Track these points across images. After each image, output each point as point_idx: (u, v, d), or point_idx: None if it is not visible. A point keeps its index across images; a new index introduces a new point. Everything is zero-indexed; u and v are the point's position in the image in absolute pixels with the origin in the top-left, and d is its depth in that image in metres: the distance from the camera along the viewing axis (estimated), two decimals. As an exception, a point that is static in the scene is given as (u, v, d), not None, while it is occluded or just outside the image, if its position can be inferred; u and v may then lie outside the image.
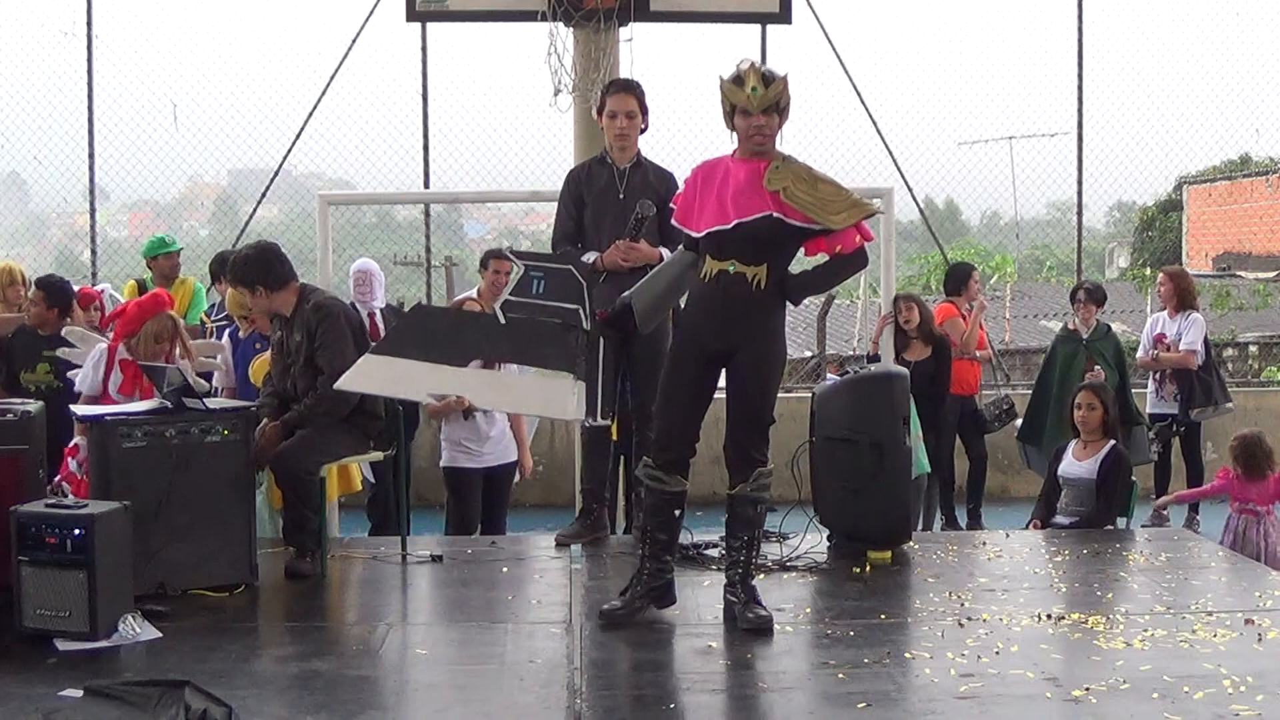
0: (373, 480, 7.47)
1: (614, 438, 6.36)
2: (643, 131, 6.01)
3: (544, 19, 9.08)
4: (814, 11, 10.45)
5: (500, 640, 4.76)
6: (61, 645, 4.56)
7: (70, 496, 5.30)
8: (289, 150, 10.91)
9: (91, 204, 11.39)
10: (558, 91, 9.28)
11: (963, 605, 5.15)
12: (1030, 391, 9.33)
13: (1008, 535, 6.61)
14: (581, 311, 4.86)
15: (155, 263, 8.71)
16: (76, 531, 4.60)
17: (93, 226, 11.40)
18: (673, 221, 5.05)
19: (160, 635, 4.71)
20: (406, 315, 5.70)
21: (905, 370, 6.69)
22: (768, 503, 4.94)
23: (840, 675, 4.27)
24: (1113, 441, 6.85)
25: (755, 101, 4.69)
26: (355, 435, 5.80)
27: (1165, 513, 8.42)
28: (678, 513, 4.97)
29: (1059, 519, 6.82)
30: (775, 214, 4.71)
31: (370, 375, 5.05)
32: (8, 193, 16.27)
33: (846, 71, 10.78)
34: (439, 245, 13.21)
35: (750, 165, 4.78)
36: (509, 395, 5.58)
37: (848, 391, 6.14)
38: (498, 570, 5.80)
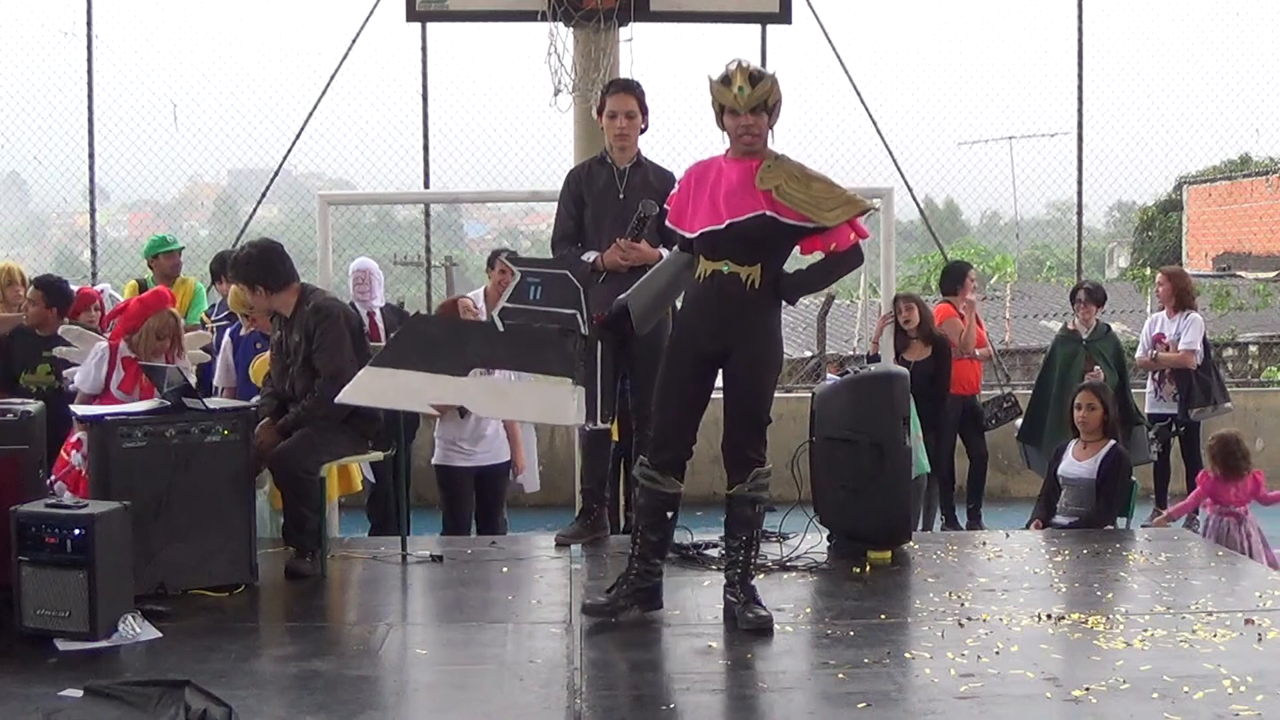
0: (373, 480, 7.48)
1: (614, 438, 6.36)
2: (643, 131, 6.00)
3: (544, 19, 9.09)
4: (814, 11, 10.45)
5: (500, 640, 4.76)
6: (61, 645, 4.56)
7: (67, 494, 5.30)
8: (289, 150, 10.91)
9: (91, 204, 11.39)
10: (558, 91, 9.29)
11: (963, 605, 5.15)
12: (1030, 391, 9.34)
13: (1008, 535, 6.60)
14: (579, 316, 4.87)
15: (156, 262, 8.71)
16: (76, 531, 4.60)
17: (93, 226, 11.40)
18: (666, 223, 5.05)
19: (160, 635, 4.71)
20: (404, 326, 5.71)
21: (905, 370, 6.69)
22: (766, 502, 4.94)
23: (840, 675, 4.27)
24: (1113, 441, 6.85)
25: (743, 101, 4.69)
26: (354, 435, 5.80)
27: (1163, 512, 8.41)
28: (670, 515, 4.96)
29: (1059, 519, 6.82)
30: (768, 213, 4.71)
31: (370, 388, 5.06)
32: (8, 193, 16.28)
33: (846, 71, 10.79)
34: (439, 245, 13.22)
35: (742, 165, 4.78)
36: (509, 402, 5.60)
37: (848, 391, 6.14)
38: (498, 570, 5.80)
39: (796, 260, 5.00)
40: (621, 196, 5.88)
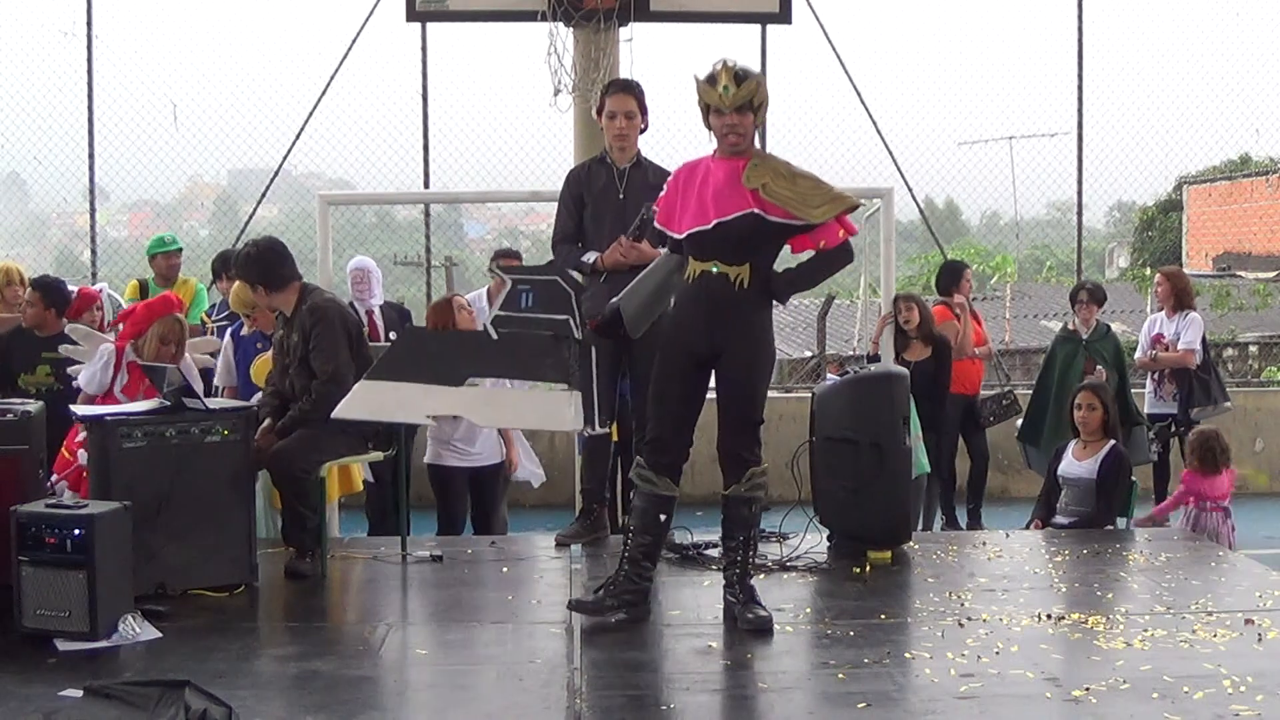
0: (372, 480, 7.47)
1: (614, 438, 6.36)
2: (642, 131, 6.01)
3: (544, 19, 9.09)
4: (814, 11, 10.46)
5: (500, 640, 4.76)
6: (61, 645, 4.56)
7: (67, 494, 5.30)
8: (289, 150, 10.91)
9: (91, 204, 11.39)
10: (558, 91, 9.30)
11: (963, 605, 5.15)
12: (1030, 392, 9.34)
13: (1008, 535, 6.61)
14: (571, 321, 4.88)
15: (154, 261, 8.75)
16: (76, 531, 4.60)
17: (93, 226, 11.40)
18: (655, 224, 5.05)
19: (160, 635, 4.71)
20: (399, 339, 5.73)
21: (905, 370, 6.69)
22: (762, 502, 4.95)
23: (840, 675, 4.27)
24: (1113, 441, 6.86)
25: (727, 100, 4.69)
26: (353, 435, 5.80)
27: (1165, 522, 8.41)
28: (664, 518, 4.95)
29: (1059, 519, 6.82)
30: (756, 211, 4.71)
31: (367, 401, 5.07)
32: (8, 193, 16.29)
33: (846, 71, 10.79)
34: (439, 245, 13.22)
35: (729, 164, 4.78)
36: (506, 411, 5.62)
37: (848, 391, 6.14)
38: (498, 570, 5.81)
39: (787, 261, 5.00)
40: (621, 196, 5.88)
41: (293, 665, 4.43)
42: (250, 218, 11.19)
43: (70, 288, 7.63)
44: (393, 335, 7.85)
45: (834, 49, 10.68)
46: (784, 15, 9.60)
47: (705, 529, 6.11)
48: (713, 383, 4.96)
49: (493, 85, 13.98)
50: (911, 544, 6.12)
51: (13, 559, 4.67)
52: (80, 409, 5.78)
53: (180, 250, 8.93)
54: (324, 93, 10.71)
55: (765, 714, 4.09)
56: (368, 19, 10.47)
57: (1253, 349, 20.09)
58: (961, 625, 4.84)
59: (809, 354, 15.67)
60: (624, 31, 9.30)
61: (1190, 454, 7.10)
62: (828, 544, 6.08)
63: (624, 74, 8.81)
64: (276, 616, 5.29)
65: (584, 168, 6.14)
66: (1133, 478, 6.99)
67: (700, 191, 4.80)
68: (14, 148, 12.52)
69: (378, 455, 6.07)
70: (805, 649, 4.64)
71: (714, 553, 5.77)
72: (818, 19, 10.50)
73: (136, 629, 4.68)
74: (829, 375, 7.78)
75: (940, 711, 3.96)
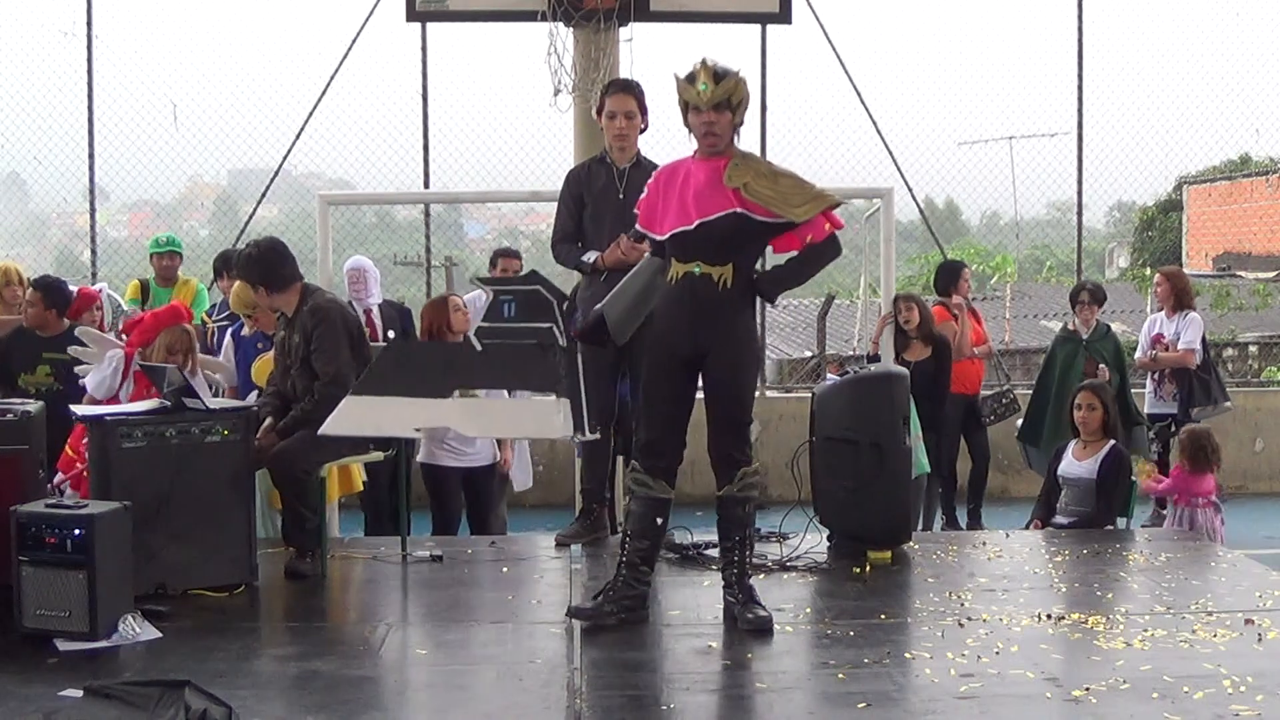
0: (365, 478, 7.46)
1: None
2: (642, 131, 6.01)
3: (544, 19, 9.08)
4: (814, 11, 10.46)
5: (500, 640, 4.76)
6: (61, 645, 4.56)
7: (70, 493, 5.30)
8: (289, 150, 10.92)
9: (91, 204, 11.38)
10: (558, 91, 9.29)
11: (963, 605, 5.15)
12: (1030, 392, 9.34)
13: (1008, 535, 6.61)
14: (555, 329, 4.88)
15: (153, 260, 8.76)
16: (76, 531, 4.60)
17: (93, 226, 11.40)
18: (637, 226, 5.05)
19: (160, 635, 4.71)
20: (387, 351, 5.75)
21: (905, 370, 6.69)
22: (755, 500, 4.95)
23: (840, 675, 4.27)
24: (1113, 441, 6.86)
25: (705, 98, 4.69)
26: (353, 436, 5.80)
27: (1164, 511, 8.42)
28: (660, 521, 4.95)
29: (1059, 519, 6.82)
30: (738, 210, 4.71)
31: (355, 418, 5.08)
32: (8, 193, 16.29)
33: (846, 71, 10.80)
34: (439, 245, 13.21)
35: (710, 164, 4.78)
36: (496, 420, 5.62)
37: (848, 391, 6.14)
38: (497, 570, 5.81)
39: (772, 263, 4.99)
40: (621, 196, 5.88)
41: (293, 665, 4.43)
42: (250, 218, 11.19)
43: (70, 288, 7.63)
44: (391, 334, 7.86)
45: (834, 49, 10.70)
46: (784, 15, 9.59)
47: (704, 529, 6.10)
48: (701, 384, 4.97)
49: (493, 85, 14.01)
50: (911, 544, 6.12)
51: (13, 559, 4.67)
52: (80, 409, 5.78)
53: (179, 251, 8.95)
54: (324, 93, 10.72)
55: (765, 714, 4.08)
56: (368, 19, 10.48)
57: (1253, 349, 20.09)
58: (961, 625, 4.84)
59: (809, 354, 15.67)
60: (624, 31, 9.30)
61: (1181, 452, 7.11)
62: (828, 544, 6.08)
63: (624, 74, 8.81)
64: (276, 616, 5.29)
65: (584, 167, 6.15)
66: (1133, 478, 6.98)
67: (681, 192, 4.79)
68: (14, 148, 12.53)
69: (378, 455, 6.08)
70: (805, 649, 4.64)
71: (713, 553, 5.76)
72: (818, 19, 10.52)
73: (136, 629, 4.68)
74: (829, 375, 7.78)
75: (940, 711, 3.96)
